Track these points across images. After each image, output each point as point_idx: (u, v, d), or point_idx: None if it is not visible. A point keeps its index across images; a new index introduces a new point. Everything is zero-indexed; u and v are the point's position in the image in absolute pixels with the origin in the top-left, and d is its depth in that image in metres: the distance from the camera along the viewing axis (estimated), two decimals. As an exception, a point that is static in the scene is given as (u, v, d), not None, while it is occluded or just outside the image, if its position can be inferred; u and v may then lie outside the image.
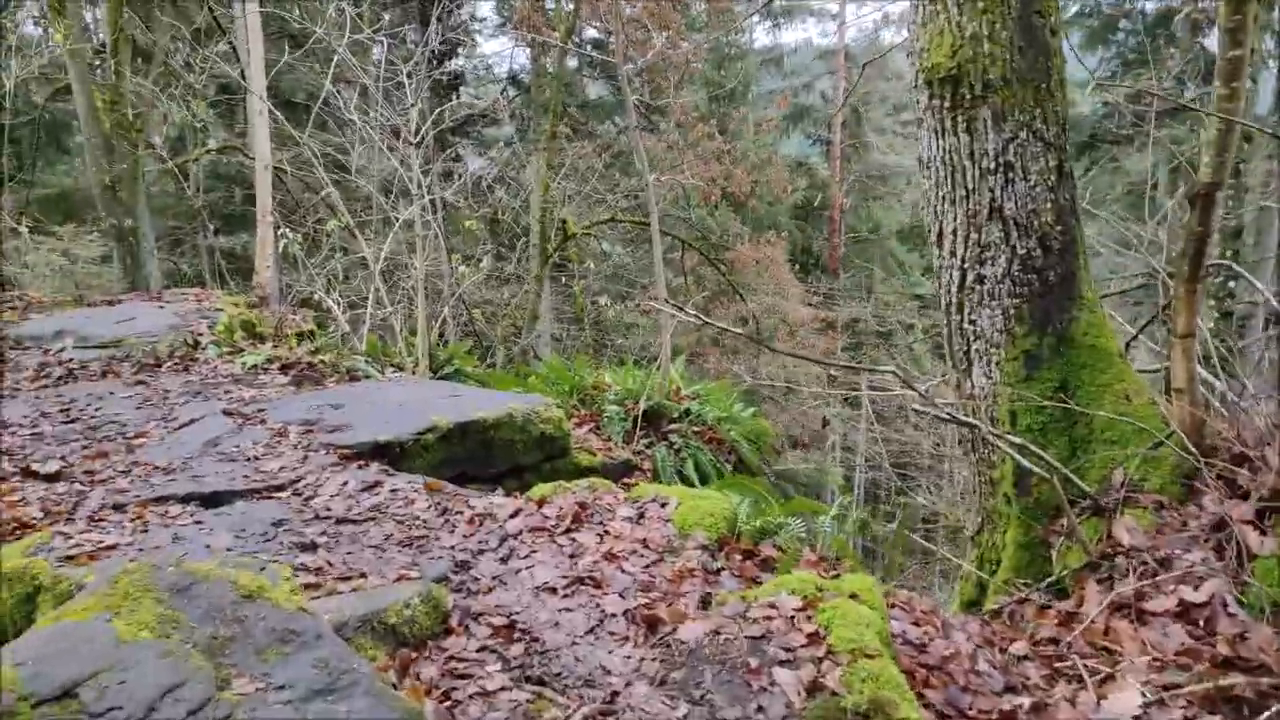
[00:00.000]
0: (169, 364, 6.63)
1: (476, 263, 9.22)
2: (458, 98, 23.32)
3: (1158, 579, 3.02)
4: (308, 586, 2.92)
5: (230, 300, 8.86)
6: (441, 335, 8.09)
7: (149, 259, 14.85)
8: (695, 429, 6.81)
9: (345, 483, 4.15)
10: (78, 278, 10.89)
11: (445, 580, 3.09)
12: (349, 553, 3.35)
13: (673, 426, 6.72)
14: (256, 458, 4.52)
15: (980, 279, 3.53)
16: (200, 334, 7.11)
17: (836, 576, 2.96)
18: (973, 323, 3.60)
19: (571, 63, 20.13)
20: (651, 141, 18.02)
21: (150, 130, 12.60)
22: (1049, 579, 3.40)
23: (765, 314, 18.13)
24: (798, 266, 27.24)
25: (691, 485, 6.42)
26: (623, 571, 3.19)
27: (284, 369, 6.37)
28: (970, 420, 3.53)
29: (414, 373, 6.86)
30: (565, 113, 18.28)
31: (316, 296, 7.78)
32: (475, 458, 5.05)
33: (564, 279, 14.25)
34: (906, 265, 34.37)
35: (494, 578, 3.20)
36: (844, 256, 32.89)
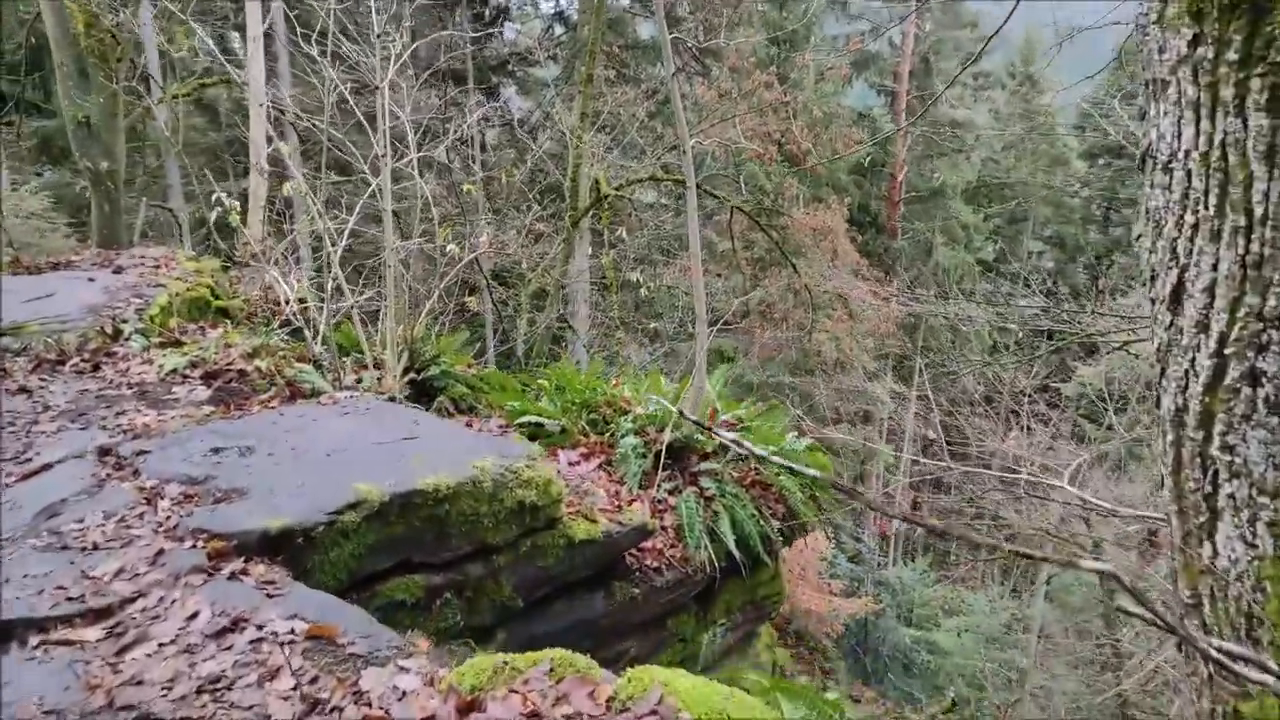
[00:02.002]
0: (76, 360, 5.26)
1: (461, 238, 7.67)
2: (501, 32, 21.58)
3: None
4: None
5: (193, 267, 7.48)
6: (437, 320, 6.60)
7: (157, 206, 13.58)
8: (734, 470, 5.30)
9: (196, 614, 2.74)
10: (19, 234, 9.57)
11: None
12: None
13: (705, 466, 5.22)
14: (95, 547, 3.13)
15: (1254, 377, 1.96)
16: (125, 320, 5.73)
17: None
18: (1228, 448, 2.04)
19: (621, -1, 18.28)
20: (702, 89, 16.18)
21: (137, 59, 11.19)
22: None
23: (820, 288, 16.40)
24: (853, 226, 25.30)
25: (725, 552, 4.95)
26: None
27: (207, 377, 4.97)
28: (1200, 642, 1.98)
29: (380, 382, 5.42)
30: (608, 53, 16.50)
31: (280, 271, 6.34)
32: (422, 540, 3.61)
33: (602, 243, 12.66)
34: (972, 228, 32.15)
35: None
36: (903, 217, 30.81)
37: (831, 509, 5.77)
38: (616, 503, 4.81)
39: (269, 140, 8.83)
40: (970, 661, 18.48)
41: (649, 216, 15.33)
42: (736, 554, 4.88)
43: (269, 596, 2.87)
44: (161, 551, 3.09)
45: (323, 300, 5.58)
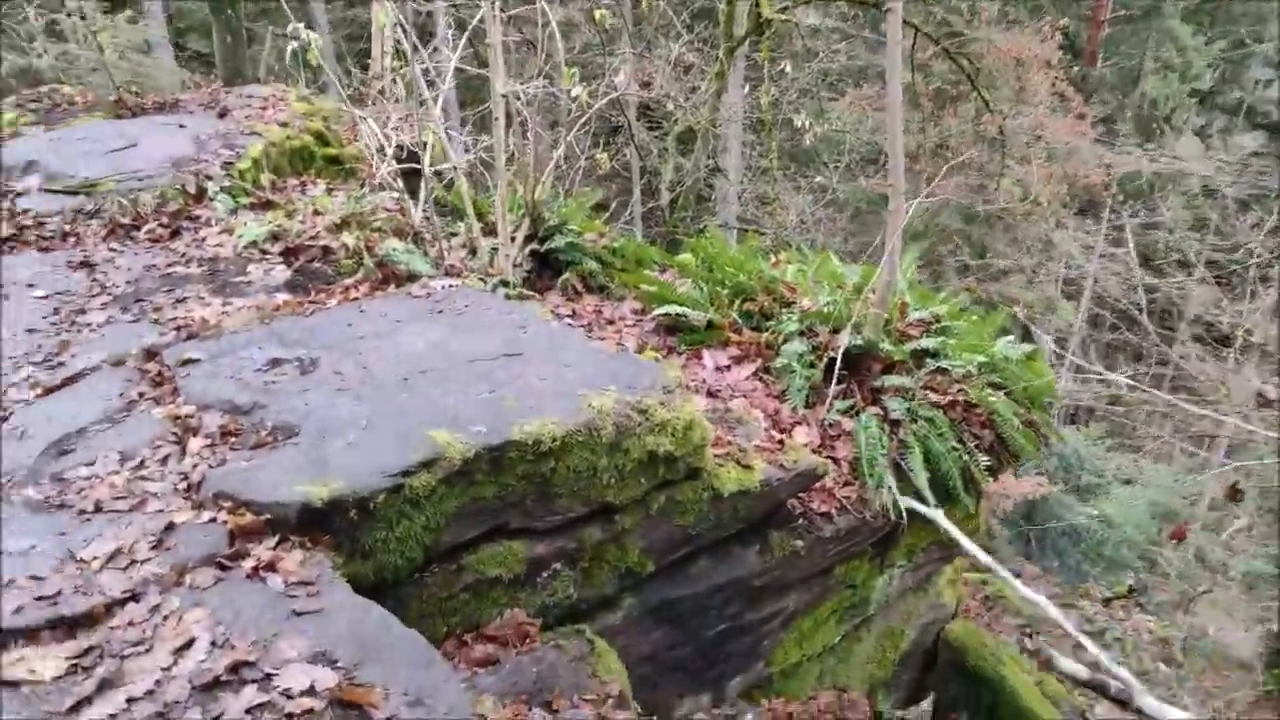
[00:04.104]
0: (153, 225, 4.56)
1: (597, 77, 6.42)
2: None
3: None
4: None
5: (303, 109, 6.64)
6: (565, 180, 5.54)
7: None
8: (930, 386, 4.13)
9: (191, 643, 1.95)
10: (124, 71, 8.93)
11: None
12: None
13: (892, 380, 4.07)
14: (98, 509, 2.39)
15: None
16: (210, 175, 4.97)
17: None
18: None
19: None
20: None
21: None
22: None
23: (1015, 125, 14.17)
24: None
25: (913, 491, 3.87)
26: None
27: (288, 255, 4.15)
28: None
29: (493, 260, 4.47)
30: None
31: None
32: (520, 503, 2.71)
33: (761, 77, 11.01)
34: (1190, 50, 27.59)
35: None
36: (1105, 40, 26.66)
37: (1050, 432, 4.53)
38: (777, 429, 3.77)
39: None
40: (1142, 537, 16.94)
41: (817, 45, 13.38)
42: (928, 496, 3.81)
43: (295, 614, 2.05)
44: (172, 527, 2.31)
45: (429, 154, 4.59)
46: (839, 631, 4.33)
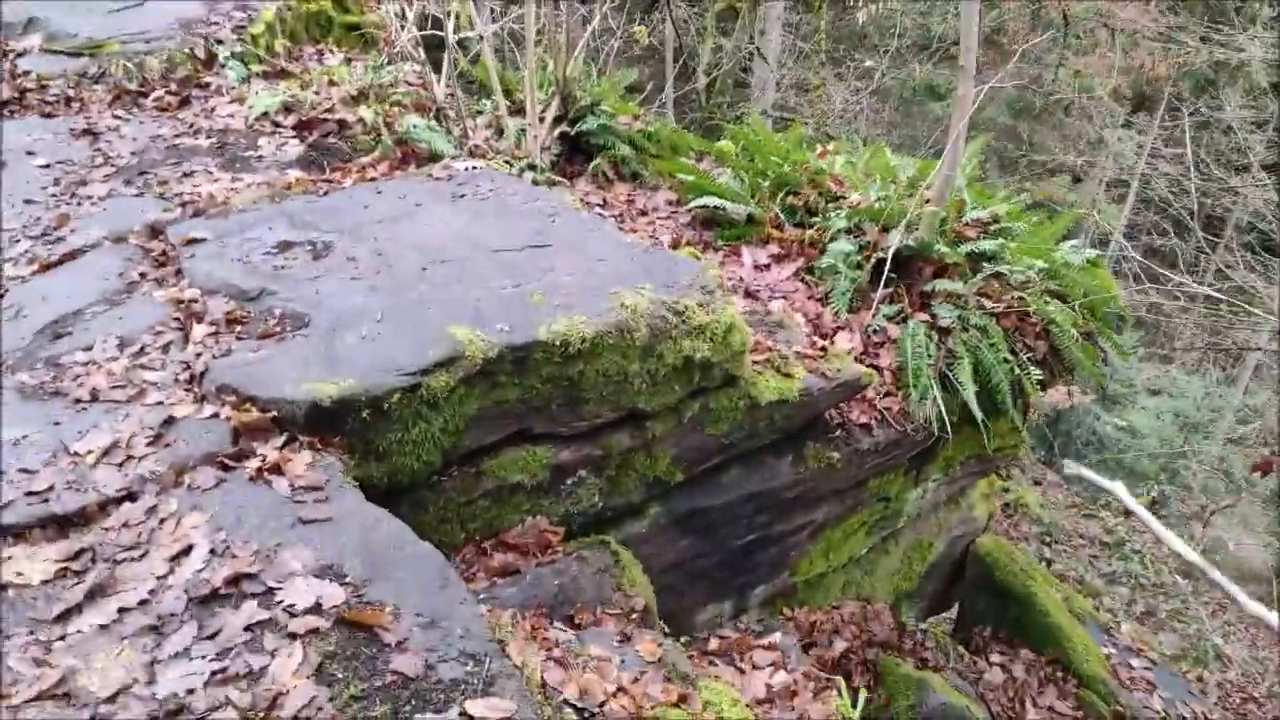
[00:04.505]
0: (161, 92, 4.28)
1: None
2: None
3: None
4: None
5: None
6: (599, 57, 5.18)
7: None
8: (984, 292, 3.86)
9: (189, 549, 1.80)
10: None
11: None
12: None
13: (943, 285, 3.80)
14: (94, 397, 2.23)
15: None
16: (220, 40, 4.64)
17: None
18: None
19: None
20: None
21: None
22: None
23: (1081, 16, 13.28)
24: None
25: (958, 404, 3.66)
26: None
27: (301, 128, 3.87)
28: None
29: (520, 141, 4.17)
30: None
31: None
32: (545, 407, 2.53)
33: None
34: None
35: None
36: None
37: (1112, 346, 4.26)
38: (819, 334, 3.54)
39: None
40: (1165, 449, 16.77)
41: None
42: (976, 410, 3.59)
43: (301, 521, 1.90)
44: (172, 421, 2.15)
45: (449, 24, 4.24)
46: (867, 543, 4.20)
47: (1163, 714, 4.54)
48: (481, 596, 2.33)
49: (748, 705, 2.31)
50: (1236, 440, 16.82)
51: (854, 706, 2.44)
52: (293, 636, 1.62)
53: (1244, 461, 15.45)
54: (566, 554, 2.57)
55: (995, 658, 4.57)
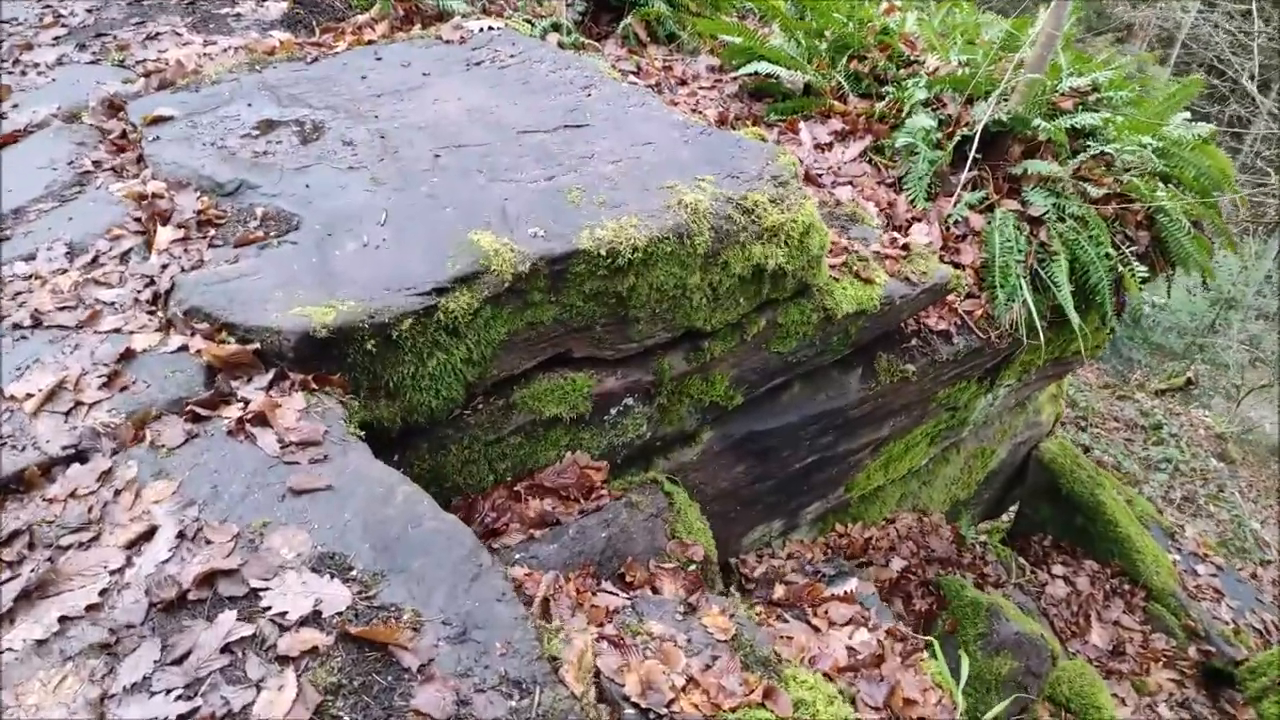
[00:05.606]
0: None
1: None
2: None
3: None
4: None
5: None
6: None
7: None
8: (1083, 175, 3.32)
9: (150, 532, 1.42)
10: None
11: None
12: None
13: (1037, 167, 3.26)
14: (36, 322, 1.82)
15: None
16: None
17: None
18: None
19: None
20: None
21: None
22: None
23: None
24: None
25: (1056, 320, 3.19)
26: None
27: (288, -22, 3.28)
28: None
29: (540, 2, 3.56)
30: None
31: None
32: (589, 327, 2.09)
33: None
34: None
35: None
36: None
37: (1221, 235, 3.74)
38: (892, 226, 3.04)
39: None
40: (1195, 324, 16.24)
41: None
42: (1072, 314, 3.13)
43: (294, 493, 1.50)
44: (131, 355, 1.73)
45: None
46: (929, 454, 3.83)
47: (1233, 624, 4.27)
48: (517, 556, 1.96)
49: (827, 675, 1.97)
50: (1269, 316, 16.25)
51: (956, 679, 2.10)
52: (284, 660, 1.25)
53: (1274, 339, 14.95)
54: (614, 498, 2.19)
55: (1057, 569, 4.27)
